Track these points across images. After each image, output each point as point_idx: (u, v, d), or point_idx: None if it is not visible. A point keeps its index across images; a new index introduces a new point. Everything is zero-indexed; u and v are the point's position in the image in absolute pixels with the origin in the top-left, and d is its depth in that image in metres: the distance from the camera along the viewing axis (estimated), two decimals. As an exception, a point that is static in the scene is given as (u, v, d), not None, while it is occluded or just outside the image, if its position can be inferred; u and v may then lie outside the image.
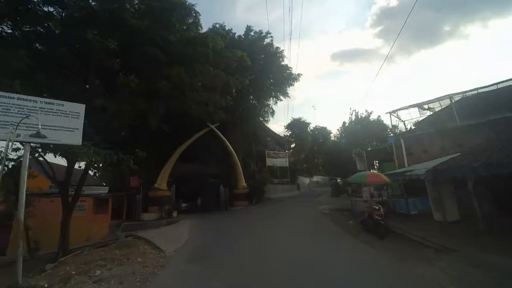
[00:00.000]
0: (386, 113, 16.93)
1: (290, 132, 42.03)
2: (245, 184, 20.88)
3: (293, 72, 25.11)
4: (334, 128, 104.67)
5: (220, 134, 20.33)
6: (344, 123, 25.01)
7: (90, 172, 15.53)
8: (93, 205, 15.57)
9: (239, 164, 20.94)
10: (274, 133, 37.22)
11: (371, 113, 23.46)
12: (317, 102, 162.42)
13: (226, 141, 20.47)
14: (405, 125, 17.73)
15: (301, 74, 25.96)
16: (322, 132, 48.85)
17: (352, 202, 14.47)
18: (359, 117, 23.93)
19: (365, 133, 22.12)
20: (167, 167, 17.77)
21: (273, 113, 28.21)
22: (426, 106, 15.75)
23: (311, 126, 45.06)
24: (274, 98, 26.77)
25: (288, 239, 9.12)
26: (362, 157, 18.74)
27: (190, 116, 19.99)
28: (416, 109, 16.09)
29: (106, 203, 16.44)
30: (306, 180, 33.34)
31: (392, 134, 21.24)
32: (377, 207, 9.29)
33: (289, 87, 26.36)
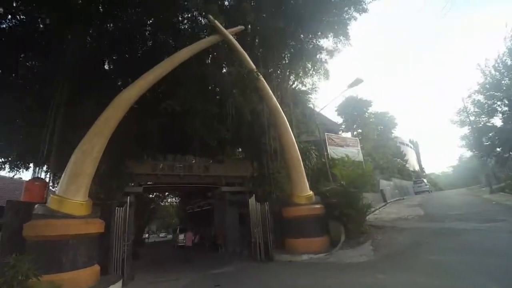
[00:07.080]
0: None
1: (343, 118, 28.99)
2: (311, 192, 8.32)
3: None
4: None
5: (248, 58, 7.92)
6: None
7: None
8: None
9: (295, 143, 8.47)
10: (322, 115, 24.77)
11: None
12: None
13: (264, 80, 7.97)
14: None
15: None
16: (382, 118, 35.28)
17: None
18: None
19: None
20: (86, 143, 5.75)
21: (326, 73, 15.88)
22: None
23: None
24: (332, 38, 14.17)
25: None
26: None
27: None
28: None
29: None
30: (388, 184, 19.90)
31: None
32: None
33: (353, 21, 13.59)
